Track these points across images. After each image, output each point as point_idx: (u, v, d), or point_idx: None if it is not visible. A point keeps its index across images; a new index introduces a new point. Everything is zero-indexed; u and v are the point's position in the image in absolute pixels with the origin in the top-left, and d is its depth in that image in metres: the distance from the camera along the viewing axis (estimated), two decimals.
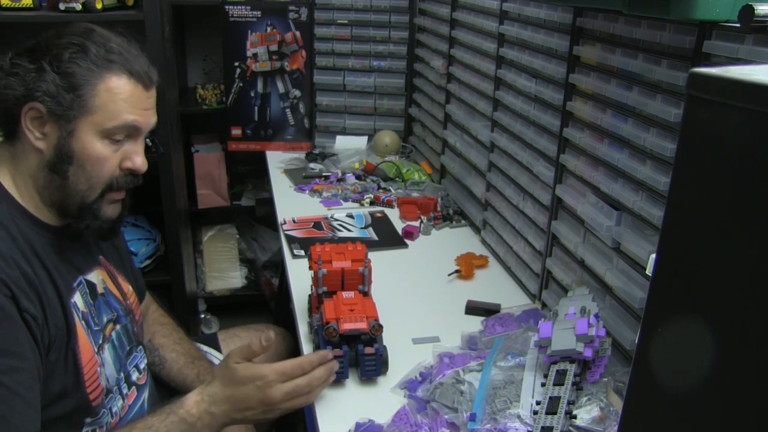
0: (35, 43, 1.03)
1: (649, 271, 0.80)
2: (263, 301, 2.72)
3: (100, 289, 1.13)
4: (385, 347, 1.17)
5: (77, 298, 1.06)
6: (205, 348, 1.48)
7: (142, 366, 1.22)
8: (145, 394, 1.22)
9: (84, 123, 1.00)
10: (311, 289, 1.32)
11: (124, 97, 1.02)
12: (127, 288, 1.24)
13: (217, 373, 1.08)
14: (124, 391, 1.16)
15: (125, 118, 1.02)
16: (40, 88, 0.98)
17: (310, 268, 1.26)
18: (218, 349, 1.49)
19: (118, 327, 1.15)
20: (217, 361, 1.45)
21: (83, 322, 1.06)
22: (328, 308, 1.18)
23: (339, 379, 1.14)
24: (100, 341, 1.10)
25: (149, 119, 1.07)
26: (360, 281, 1.25)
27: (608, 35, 1.12)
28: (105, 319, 1.12)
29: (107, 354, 1.11)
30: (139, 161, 1.07)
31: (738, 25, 0.75)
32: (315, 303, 1.27)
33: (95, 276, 1.13)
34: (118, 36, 1.06)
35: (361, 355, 1.14)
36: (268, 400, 1.04)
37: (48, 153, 1.01)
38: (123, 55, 1.03)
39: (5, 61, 1.01)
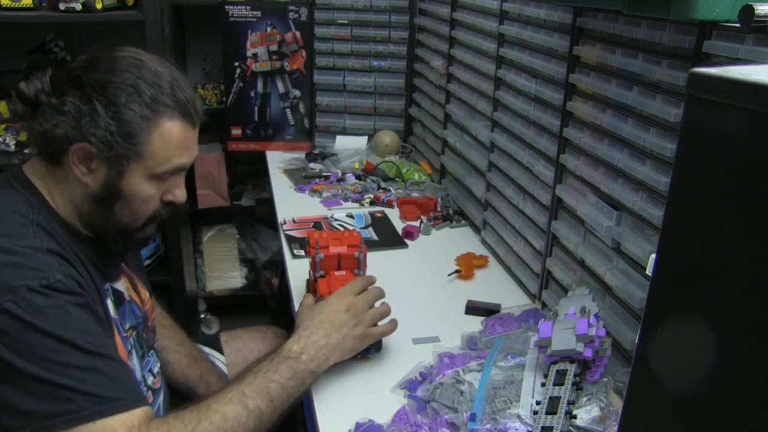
0: (83, 71, 0.99)
1: (649, 271, 0.80)
2: (263, 301, 2.71)
3: (126, 297, 1.15)
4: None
5: (108, 304, 1.07)
6: (207, 350, 1.48)
7: (155, 370, 1.22)
8: (161, 398, 1.23)
9: (135, 167, 1.00)
10: (309, 274, 1.36)
11: (176, 143, 1.02)
12: (145, 294, 1.25)
13: (302, 315, 1.16)
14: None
15: (175, 162, 1.03)
16: (93, 133, 0.96)
17: (307, 253, 1.28)
18: (220, 350, 1.49)
19: (134, 333, 1.16)
20: (219, 363, 1.46)
21: (115, 327, 1.07)
22: (322, 285, 1.24)
23: None
24: (129, 347, 1.11)
25: (194, 155, 1.08)
26: (356, 266, 1.30)
27: (608, 35, 1.12)
28: (128, 326, 1.13)
29: (134, 359, 1.12)
30: (179, 195, 1.09)
31: (738, 25, 0.75)
32: (312, 287, 1.32)
33: (121, 284, 1.15)
34: (164, 65, 1.04)
35: None
36: (352, 307, 1.14)
37: (95, 187, 1.01)
38: (174, 93, 1.01)
39: (45, 82, 0.99)
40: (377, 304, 1.20)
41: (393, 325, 1.20)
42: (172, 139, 1.01)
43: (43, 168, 1.03)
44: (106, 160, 0.99)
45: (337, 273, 1.27)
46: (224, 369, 1.45)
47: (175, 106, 1.01)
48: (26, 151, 2.10)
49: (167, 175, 1.05)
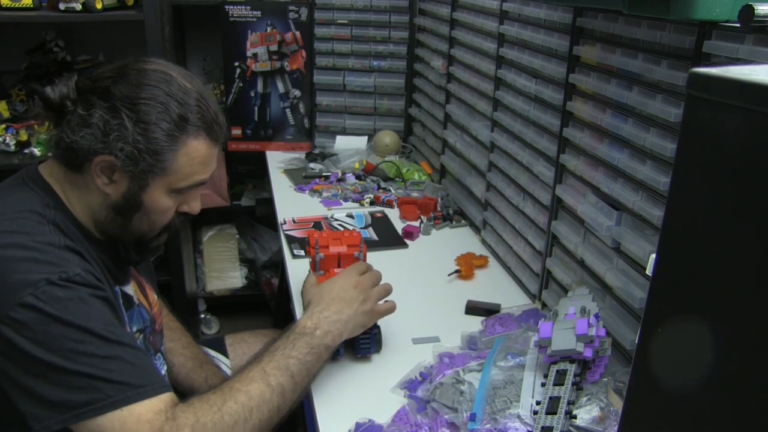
0: (111, 82, 0.99)
1: (649, 271, 0.80)
2: (263, 301, 2.72)
3: (135, 301, 1.15)
4: (378, 327, 1.22)
5: (120, 305, 1.08)
6: (212, 353, 1.48)
7: (162, 373, 1.22)
8: None
9: (158, 182, 1.02)
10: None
11: (199, 160, 1.04)
12: (153, 297, 1.25)
13: (310, 294, 1.18)
14: None
15: (196, 178, 1.06)
16: (121, 147, 0.97)
17: (307, 253, 1.29)
18: (225, 353, 1.50)
19: (141, 336, 1.16)
20: (224, 366, 1.46)
21: (127, 328, 1.08)
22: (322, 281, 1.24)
23: (335, 357, 1.19)
24: None
25: (213, 169, 1.10)
26: None
27: (608, 35, 1.12)
28: (135, 329, 1.13)
29: None
30: (195, 207, 1.12)
31: (738, 25, 0.76)
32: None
33: (130, 288, 1.15)
34: (191, 80, 1.05)
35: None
36: (359, 284, 1.17)
37: (115, 198, 1.02)
38: (201, 111, 1.03)
39: (71, 87, 0.99)
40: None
41: (393, 304, 1.22)
42: (197, 156, 1.03)
43: (61, 172, 1.03)
44: (129, 173, 1.00)
45: (337, 272, 1.28)
46: (229, 373, 1.44)
47: (202, 124, 1.03)
48: (26, 151, 2.10)
49: (187, 190, 1.07)
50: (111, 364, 0.89)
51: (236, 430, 0.93)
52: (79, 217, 1.04)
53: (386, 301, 1.22)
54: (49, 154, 1.05)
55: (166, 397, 0.92)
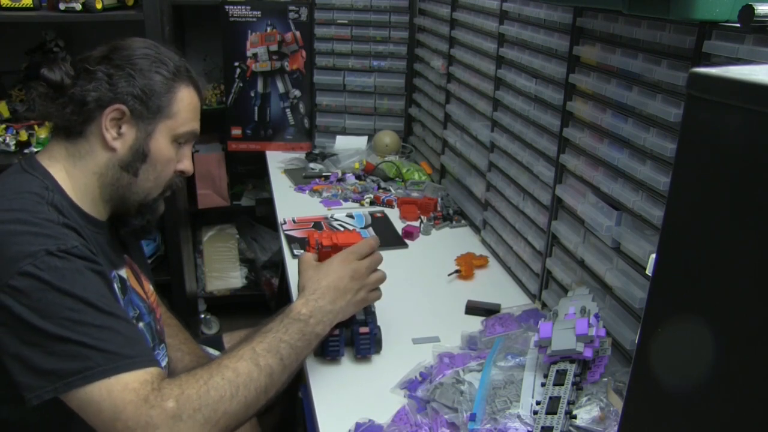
0: (107, 53, 1.10)
1: (649, 271, 0.80)
2: (263, 301, 2.72)
3: (128, 285, 1.17)
4: (378, 327, 1.22)
5: (115, 288, 1.10)
6: (210, 350, 1.48)
7: (163, 364, 1.24)
8: None
9: (162, 126, 1.11)
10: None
11: (192, 107, 1.16)
12: (149, 287, 1.27)
13: (307, 276, 1.18)
14: None
15: (193, 125, 1.16)
16: (129, 92, 1.07)
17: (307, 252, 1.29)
18: (223, 350, 1.49)
19: (141, 324, 1.17)
20: None
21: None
22: (323, 255, 1.24)
23: (334, 357, 1.20)
24: None
25: (199, 126, 1.20)
26: None
27: (608, 35, 1.12)
28: (131, 315, 1.14)
29: None
30: (188, 165, 1.20)
31: (738, 25, 0.76)
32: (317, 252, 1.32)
33: (125, 273, 1.17)
34: (172, 50, 1.17)
35: (356, 334, 1.20)
36: (356, 273, 1.17)
37: (122, 151, 1.09)
38: (186, 68, 1.16)
39: (68, 66, 1.08)
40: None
41: (380, 292, 1.24)
42: (190, 103, 1.15)
43: (62, 149, 1.09)
44: (137, 120, 1.08)
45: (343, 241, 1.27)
46: None
47: (189, 77, 1.15)
48: (26, 151, 2.10)
49: (183, 140, 1.15)
50: (104, 334, 0.91)
51: (221, 404, 0.93)
52: (77, 200, 1.07)
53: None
54: (52, 127, 1.11)
55: (154, 371, 0.94)
